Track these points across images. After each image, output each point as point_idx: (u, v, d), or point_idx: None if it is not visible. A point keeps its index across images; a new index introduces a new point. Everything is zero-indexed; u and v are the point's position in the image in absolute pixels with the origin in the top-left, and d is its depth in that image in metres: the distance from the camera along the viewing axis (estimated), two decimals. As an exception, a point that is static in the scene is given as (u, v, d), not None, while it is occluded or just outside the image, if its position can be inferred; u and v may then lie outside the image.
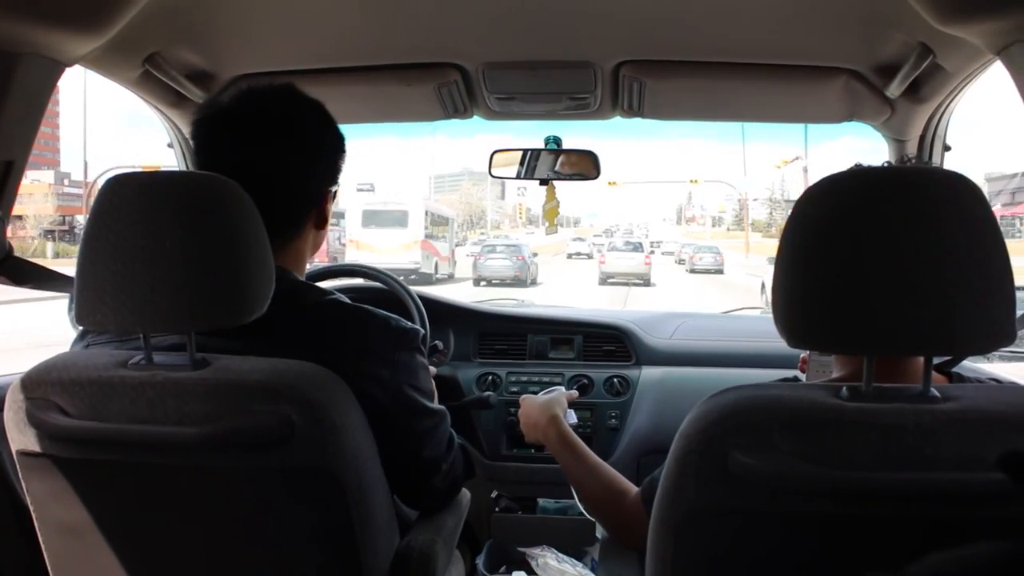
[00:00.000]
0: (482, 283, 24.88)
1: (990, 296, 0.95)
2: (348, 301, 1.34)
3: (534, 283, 26.35)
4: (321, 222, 1.43)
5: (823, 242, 0.98)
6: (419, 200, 28.15)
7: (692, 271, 34.56)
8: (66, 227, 45.76)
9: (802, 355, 1.68)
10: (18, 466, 1.23)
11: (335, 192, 1.46)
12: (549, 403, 1.78)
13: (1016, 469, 0.49)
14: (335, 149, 1.42)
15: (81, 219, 42.17)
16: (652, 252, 32.75)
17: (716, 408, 1.02)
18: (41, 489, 1.23)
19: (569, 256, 44.41)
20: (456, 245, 32.63)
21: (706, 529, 1.05)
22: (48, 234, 42.48)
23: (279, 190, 1.30)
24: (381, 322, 1.32)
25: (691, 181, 39.81)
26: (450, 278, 27.29)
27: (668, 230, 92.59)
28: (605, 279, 27.24)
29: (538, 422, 1.75)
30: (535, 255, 29.70)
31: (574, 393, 1.96)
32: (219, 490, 1.20)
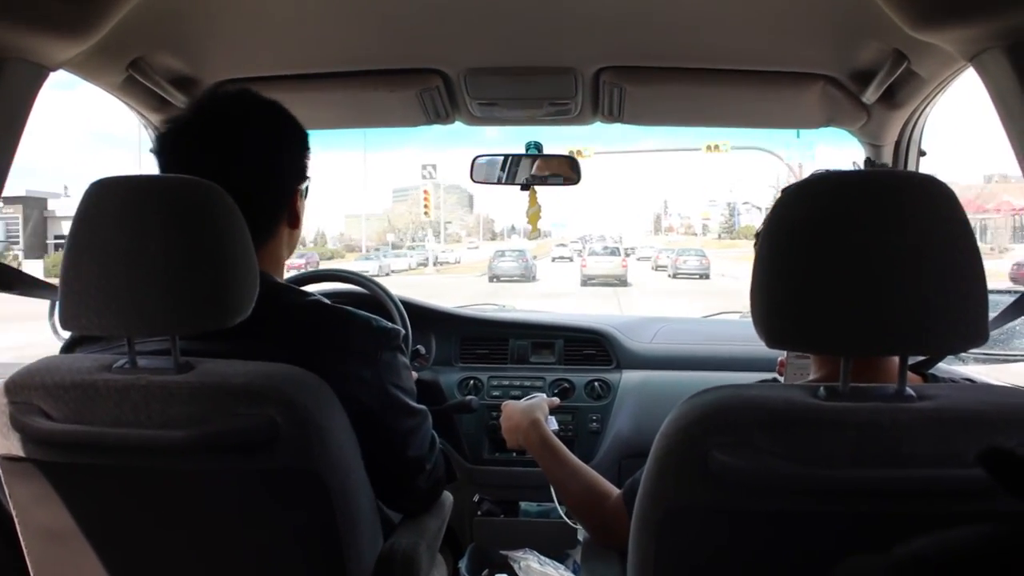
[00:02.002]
0: (495, 280, 30.36)
1: (962, 297, 0.97)
2: (328, 302, 1.35)
3: (534, 279, 31.37)
4: (294, 221, 1.43)
5: (799, 245, 1.00)
6: None
7: (675, 276, 33.13)
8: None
9: (780, 358, 1.70)
10: (1, 471, 1.23)
11: (305, 189, 1.46)
12: (530, 408, 1.80)
13: (994, 465, 0.51)
14: (295, 146, 1.42)
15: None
16: (628, 256, 35.51)
17: (696, 408, 1.04)
18: (24, 494, 1.23)
19: (553, 260, 48.40)
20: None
21: (687, 528, 1.06)
22: None
23: (243, 194, 1.24)
24: (362, 322, 1.33)
25: (710, 148, 27.27)
26: None
27: (644, 239, 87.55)
28: (586, 280, 29.50)
29: (519, 425, 1.76)
30: (535, 258, 35.84)
31: (555, 400, 1.97)
32: (204, 493, 1.20)
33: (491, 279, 30.82)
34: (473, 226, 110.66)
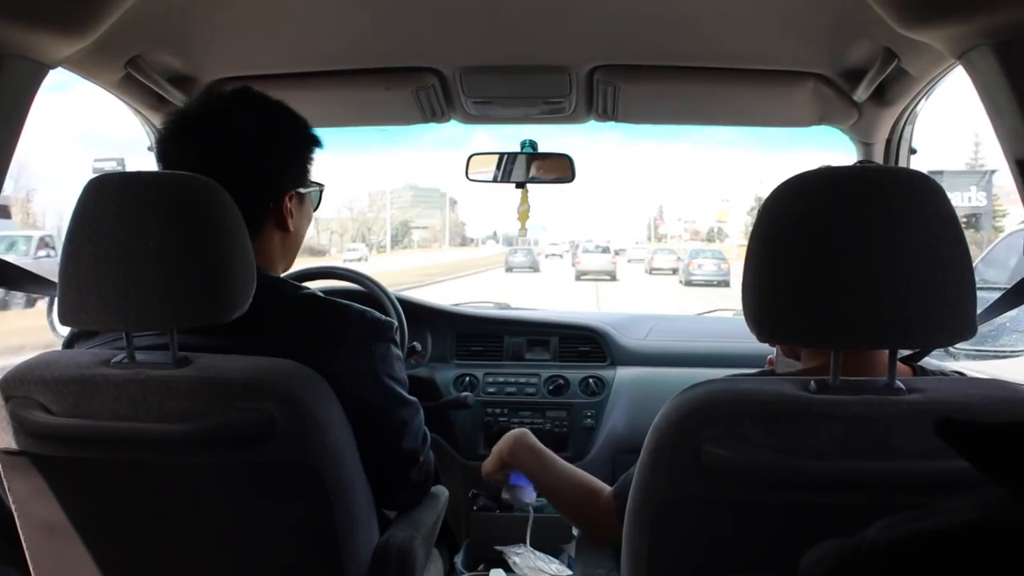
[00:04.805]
0: (510, 271, 36.26)
1: (950, 291, 0.99)
2: (323, 296, 1.36)
3: (539, 270, 37.47)
4: (282, 223, 1.41)
5: (791, 239, 1.02)
6: None
7: (688, 283, 27.27)
8: None
9: (769, 356, 1.71)
10: (0, 465, 1.24)
11: (317, 195, 1.47)
12: (513, 433, 1.73)
13: (951, 434, 0.52)
14: (288, 149, 1.41)
15: None
16: (618, 254, 38.25)
17: (688, 401, 1.05)
18: (23, 488, 1.24)
19: (547, 256, 52.81)
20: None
21: (680, 520, 1.07)
22: None
23: (227, 189, 1.22)
24: (357, 314, 1.35)
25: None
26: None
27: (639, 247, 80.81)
28: (579, 276, 31.68)
29: (501, 448, 1.70)
30: (539, 254, 45.69)
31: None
32: (201, 487, 1.22)
33: (507, 270, 36.83)
34: (439, 230, 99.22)
